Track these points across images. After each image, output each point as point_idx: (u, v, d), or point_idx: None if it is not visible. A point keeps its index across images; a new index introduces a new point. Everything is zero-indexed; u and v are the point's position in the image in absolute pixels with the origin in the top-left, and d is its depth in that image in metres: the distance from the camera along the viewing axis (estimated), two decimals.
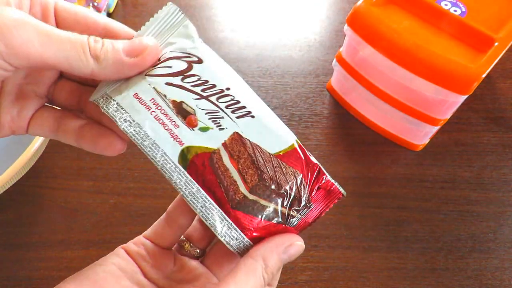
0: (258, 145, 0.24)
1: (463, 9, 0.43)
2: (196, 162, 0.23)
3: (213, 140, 0.23)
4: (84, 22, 0.23)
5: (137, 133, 0.23)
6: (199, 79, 0.24)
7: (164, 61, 0.24)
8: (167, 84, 0.23)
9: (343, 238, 0.43)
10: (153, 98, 0.23)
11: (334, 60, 0.50)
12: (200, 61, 0.24)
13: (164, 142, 0.23)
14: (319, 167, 0.25)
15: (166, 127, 0.23)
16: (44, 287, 0.41)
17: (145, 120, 0.23)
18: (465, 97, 0.41)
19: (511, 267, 0.43)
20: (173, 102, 0.23)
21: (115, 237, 0.43)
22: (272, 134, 0.24)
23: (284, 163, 0.24)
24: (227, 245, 0.23)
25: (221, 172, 0.23)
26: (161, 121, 0.23)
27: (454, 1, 0.43)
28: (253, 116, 0.24)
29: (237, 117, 0.24)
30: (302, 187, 0.24)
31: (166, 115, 0.23)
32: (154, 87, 0.23)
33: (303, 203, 0.24)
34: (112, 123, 0.24)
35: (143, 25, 0.25)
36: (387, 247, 0.43)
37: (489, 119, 0.52)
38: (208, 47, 0.25)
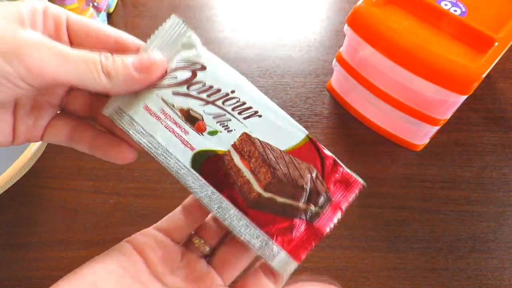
0: (268, 143, 0.24)
1: (463, 9, 0.43)
2: (208, 165, 0.24)
3: (222, 142, 0.24)
4: (95, 35, 0.24)
5: (150, 143, 0.24)
6: (203, 85, 0.25)
7: (170, 72, 0.25)
8: (174, 93, 0.24)
9: (343, 238, 0.43)
10: (162, 109, 0.24)
11: (334, 60, 0.50)
12: (203, 68, 0.25)
13: (176, 149, 0.24)
14: (334, 159, 0.25)
15: (177, 135, 0.24)
16: (44, 287, 0.41)
17: (157, 130, 0.24)
18: (465, 97, 0.41)
19: (511, 267, 0.43)
20: (181, 110, 0.24)
21: (115, 237, 0.43)
22: (281, 131, 0.25)
23: (296, 159, 0.24)
24: (249, 244, 0.24)
25: (234, 173, 0.24)
26: (171, 130, 0.24)
27: (454, 1, 0.43)
28: (260, 116, 0.25)
29: (244, 118, 0.24)
30: (318, 181, 0.24)
31: (176, 123, 0.24)
32: (162, 98, 0.24)
33: (321, 197, 0.24)
34: (124, 133, 0.25)
35: (149, 38, 0.26)
36: (387, 247, 0.43)
37: (489, 119, 0.52)
38: (212, 53, 0.25)
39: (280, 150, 0.24)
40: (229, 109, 0.24)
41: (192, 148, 0.24)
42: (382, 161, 0.49)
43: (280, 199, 0.24)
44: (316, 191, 0.24)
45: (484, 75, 0.39)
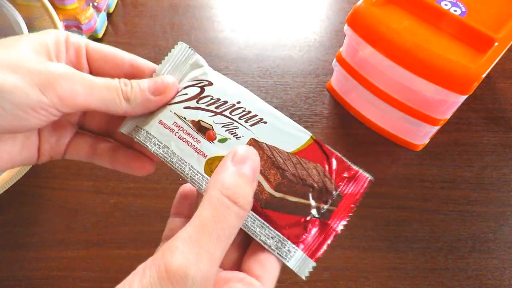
0: (275, 147, 0.26)
1: (463, 9, 0.43)
2: None
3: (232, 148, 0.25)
4: (112, 61, 0.26)
5: (165, 153, 0.26)
6: (212, 99, 0.27)
7: (181, 90, 0.27)
8: (185, 108, 0.27)
9: (343, 238, 0.43)
10: (175, 122, 0.26)
11: (334, 60, 0.50)
12: (210, 84, 0.27)
13: (189, 157, 0.26)
14: (339, 157, 0.26)
15: (190, 144, 0.26)
16: (44, 287, 0.41)
17: (171, 141, 0.26)
18: (465, 97, 0.41)
19: (511, 267, 0.43)
20: (193, 122, 0.26)
21: (115, 237, 0.43)
22: (286, 134, 0.26)
23: (303, 159, 0.26)
24: (265, 245, 0.24)
25: None
26: (184, 140, 0.26)
27: (454, 1, 0.43)
28: (265, 122, 0.26)
29: (251, 125, 0.26)
30: (327, 179, 0.25)
31: (188, 134, 0.26)
32: (175, 113, 0.27)
33: (331, 194, 0.25)
34: (142, 147, 0.27)
35: (160, 62, 0.29)
36: (387, 247, 0.43)
37: (489, 119, 0.52)
38: (217, 71, 0.28)
39: (287, 152, 0.26)
40: (236, 118, 0.26)
41: (204, 155, 0.26)
42: (382, 161, 0.49)
43: (291, 198, 0.25)
44: (326, 189, 0.25)
45: (484, 75, 0.39)
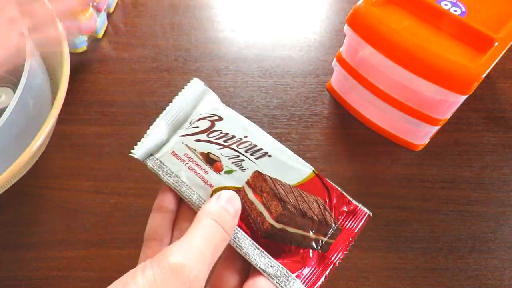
0: (277, 179, 0.27)
1: (463, 9, 0.43)
2: None
3: (237, 180, 0.27)
4: None
5: (176, 182, 0.28)
6: (221, 133, 0.29)
7: (194, 122, 0.30)
8: (196, 140, 0.29)
9: None
10: (186, 153, 0.28)
11: (334, 60, 0.50)
12: (220, 119, 0.30)
13: (197, 187, 0.27)
14: (340, 192, 0.27)
15: (198, 174, 0.28)
16: (44, 287, 0.41)
17: (181, 171, 0.28)
18: (465, 97, 0.41)
19: (511, 267, 0.43)
20: (202, 153, 0.28)
21: (115, 237, 0.43)
22: (289, 168, 0.28)
23: (304, 192, 0.27)
24: (264, 273, 0.25)
25: (248, 206, 0.26)
26: (193, 170, 0.28)
27: (454, 1, 0.43)
28: (269, 156, 0.28)
29: (256, 158, 0.28)
30: (327, 212, 0.27)
31: (197, 165, 0.28)
32: (186, 145, 0.29)
33: (331, 228, 0.26)
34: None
35: (177, 94, 0.31)
36: (387, 247, 0.43)
37: (489, 119, 0.52)
38: (227, 106, 0.31)
39: (289, 184, 0.27)
40: (242, 151, 0.28)
41: (211, 186, 0.27)
42: (382, 161, 0.49)
43: (291, 230, 0.26)
44: (325, 222, 0.26)
45: (484, 75, 0.39)
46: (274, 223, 0.26)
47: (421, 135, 0.48)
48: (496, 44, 0.40)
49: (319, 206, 0.27)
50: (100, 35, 0.57)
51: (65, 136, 0.49)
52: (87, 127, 0.50)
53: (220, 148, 0.28)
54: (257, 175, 0.27)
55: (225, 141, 0.29)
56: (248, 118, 0.51)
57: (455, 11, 0.43)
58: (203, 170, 0.28)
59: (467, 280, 0.42)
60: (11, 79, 0.47)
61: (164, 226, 0.28)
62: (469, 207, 0.46)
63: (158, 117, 0.30)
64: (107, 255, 0.42)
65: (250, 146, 0.28)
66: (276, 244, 0.26)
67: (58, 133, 0.49)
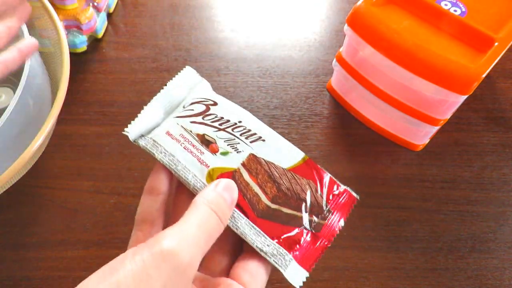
0: (272, 162, 0.28)
1: (463, 9, 0.43)
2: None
3: (233, 161, 0.28)
4: None
5: (171, 161, 0.27)
6: (216, 117, 0.29)
7: (188, 106, 0.30)
8: (192, 122, 0.29)
9: (343, 238, 0.43)
10: (181, 134, 0.28)
11: (334, 60, 0.50)
12: (215, 104, 0.30)
13: (193, 166, 0.27)
14: (330, 177, 0.29)
15: (194, 154, 0.28)
16: (44, 287, 0.41)
17: (176, 150, 0.28)
18: (465, 97, 0.41)
19: (511, 267, 0.43)
20: (198, 135, 0.28)
21: (115, 237, 0.43)
22: (282, 152, 0.29)
23: (297, 175, 0.28)
24: (261, 252, 0.25)
25: (243, 187, 0.27)
26: (189, 150, 0.28)
27: (454, 1, 0.43)
28: (263, 140, 0.29)
29: (251, 142, 0.28)
30: (318, 194, 0.28)
31: (193, 145, 0.28)
32: (181, 126, 0.29)
33: (323, 209, 0.27)
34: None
35: (171, 79, 0.31)
36: (387, 247, 0.43)
37: (489, 119, 0.52)
38: (221, 95, 0.31)
39: (282, 168, 0.28)
40: (237, 134, 0.29)
41: (207, 166, 0.27)
42: (382, 161, 0.49)
43: (286, 210, 0.27)
44: (317, 204, 0.27)
45: (484, 75, 0.39)
46: (270, 203, 0.27)
47: (421, 135, 0.48)
48: (496, 44, 0.40)
49: (311, 189, 0.28)
50: (100, 35, 0.57)
51: (65, 136, 0.49)
52: (87, 127, 0.50)
53: (216, 131, 0.29)
54: (252, 157, 0.28)
55: (220, 125, 0.29)
56: None
57: (455, 11, 0.43)
58: (199, 151, 0.28)
59: (467, 280, 0.42)
60: (11, 79, 0.47)
61: (156, 208, 0.27)
62: (469, 207, 0.46)
63: (150, 101, 0.30)
64: (107, 255, 0.42)
65: (244, 131, 0.29)
66: (271, 223, 0.26)
67: (58, 133, 0.49)
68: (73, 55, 0.55)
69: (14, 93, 0.38)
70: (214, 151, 0.28)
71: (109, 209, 0.45)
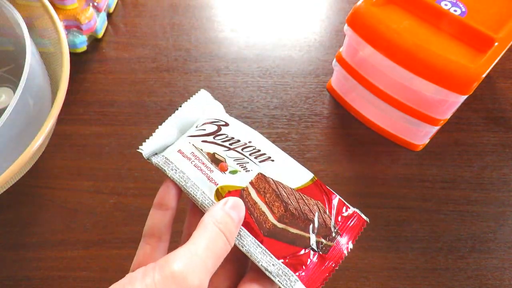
0: (280, 182, 0.28)
1: (463, 9, 0.43)
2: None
3: (241, 180, 0.28)
4: None
5: (181, 178, 0.28)
6: (227, 137, 0.30)
7: (201, 126, 0.31)
8: (203, 141, 0.30)
9: None
10: (192, 152, 0.29)
11: (334, 60, 0.50)
12: (227, 124, 0.31)
13: (202, 184, 0.28)
14: (339, 198, 0.29)
15: (203, 172, 0.28)
16: (44, 287, 0.41)
17: (187, 168, 0.28)
18: (465, 97, 0.41)
19: (511, 267, 0.43)
20: (208, 153, 0.29)
21: (115, 237, 0.43)
22: (291, 172, 0.29)
23: (305, 196, 0.28)
24: (266, 272, 0.25)
25: (251, 205, 0.27)
26: (199, 168, 0.28)
27: (454, 1, 0.43)
28: (273, 160, 0.29)
29: (260, 161, 0.29)
30: (326, 215, 0.28)
31: (203, 163, 0.29)
32: (193, 144, 0.29)
33: (331, 230, 0.27)
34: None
35: (185, 101, 0.32)
36: (387, 247, 0.43)
37: (489, 119, 0.52)
38: (232, 117, 0.32)
39: (290, 188, 0.28)
40: (247, 154, 0.29)
41: (216, 184, 0.28)
42: (382, 161, 0.49)
43: (293, 230, 0.27)
44: (325, 225, 0.27)
45: (484, 75, 0.39)
46: (276, 222, 0.27)
47: (421, 135, 0.48)
48: (496, 44, 0.40)
49: (319, 210, 0.28)
50: (100, 35, 0.57)
51: (65, 136, 0.49)
52: (87, 127, 0.50)
53: (226, 150, 0.29)
54: (261, 176, 0.28)
55: (230, 144, 0.30)
56: (248, 118, 0.52)
57: (455, 11, 0.43)
58: (209, 169, 0.28)
59: (467, 280, 0.42)
60: (11, 79, 0.47)
61: (164, 224, 0.28)
62: (469, 207, 0.46)
63: (163, 120, 0.31)
64: (107, 255, 0.42)
65: (254, 150, 0.29)
66: (277, 243, 0.26)
67: (58, 133, 0.49)
68: (73, 55, 0.55)
69: (14, 93, 0.37)
70: (223, 170, 0.28)
71: (109, 209, 0.45)
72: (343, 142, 0.50)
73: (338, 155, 0.49)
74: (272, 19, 0.61)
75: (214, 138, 0.30)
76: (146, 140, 0.30)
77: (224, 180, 0.28)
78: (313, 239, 0.27)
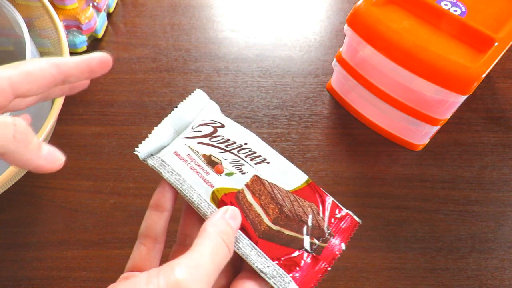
0: (275, 184, 0.28)
1: (463, 9, 0.43)
2: (225, 200, 0.27)
3: (237, 182, 0.28)
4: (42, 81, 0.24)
5: (177, 180, 0.28)
6: (222, 138, 0.30)
7: (197, 127, 0.31)
8: (199, 143, 0.30)
9: None
10: (188, 154, 0.29)
11: (334, 60, 0.50)
12: (222, 126, 0.31)
13: (198, 186, 0.28)
14: (332, 200, 0.29)
15: (200, 174, 0.28)
16: (44, 287, 0.41)
17: (183, 170, 0.28)
18: (465, 97, 0.41)
19: (511, 267, 0.43)
20: (204, 155, 0.29)
21: (115, 237, 0.43)
22: (286, 175, 0.29)
23: (300, 198, 0.28)
24: (261, 273, 0.25)
25: (246, 207, 0.27)
26: (195, 170, 0.28)
27: (454, 1, 0.43)
28: (268, 162, 0.29)
29: (255, 164, 0.29)
30: (320, 217, 0.28)
31: (199, 166, 0.29)
32: (189, 146, 0.29)
33: (324, 232, 0.27)
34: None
35: (182, 102, 0.32)
36: (387, 247, 0.43)
37: (489, 119, 0.52)
38: (228, 118, 0.32)
39: (285, 190, 0.28)
40: (243, 156, 0.29)
41: (212, 186, 0.28)
42: (382, 161, 0.49)
43: (287, 232, 0.27)
44: (319, 227, 0.27)
45: (484, 75, 0.39)
46: (271, 224, 0.27)
47: (421, 135, 0.48)
48: (496, 44, 0.40)
49: (313, 212, 0.28)
50: (100, 35, 0.57)
51: (65, 136, 0.49)
52: (87, 127, 0.50)
53: (222, 152, 0.29)
54: (256, 179, 0.28)
55: (226, 146, 0.30)
56: (248, 118, 0.52)
57: (455, 11, 0.43)
58: (205, 171, 0.28)
59: (467, 280, 0.42)
60: None
61: (160, 225, 0.28)
62: (469, 207, 0.46)
63: (161, 121, 0.31)
64: (107, 255, 0.42)
65: (250, 152, 0.30)
66: (272, 244, 0.26)
67: (58, 133, 0.49)
68: (73, 55, 0.55)
69: None
70: (219, 172, 0.28)
71: (109, 209, 0.45)
72: (343, 142, 0.50)
73: (338, 155, 0.49)
74: (272, 19, 0.61)
75: (210, 140, 0.30)
76: (142, 141, 0.30)
77: (220, 182, 0.28)
78: (306, 240, 0.27)
